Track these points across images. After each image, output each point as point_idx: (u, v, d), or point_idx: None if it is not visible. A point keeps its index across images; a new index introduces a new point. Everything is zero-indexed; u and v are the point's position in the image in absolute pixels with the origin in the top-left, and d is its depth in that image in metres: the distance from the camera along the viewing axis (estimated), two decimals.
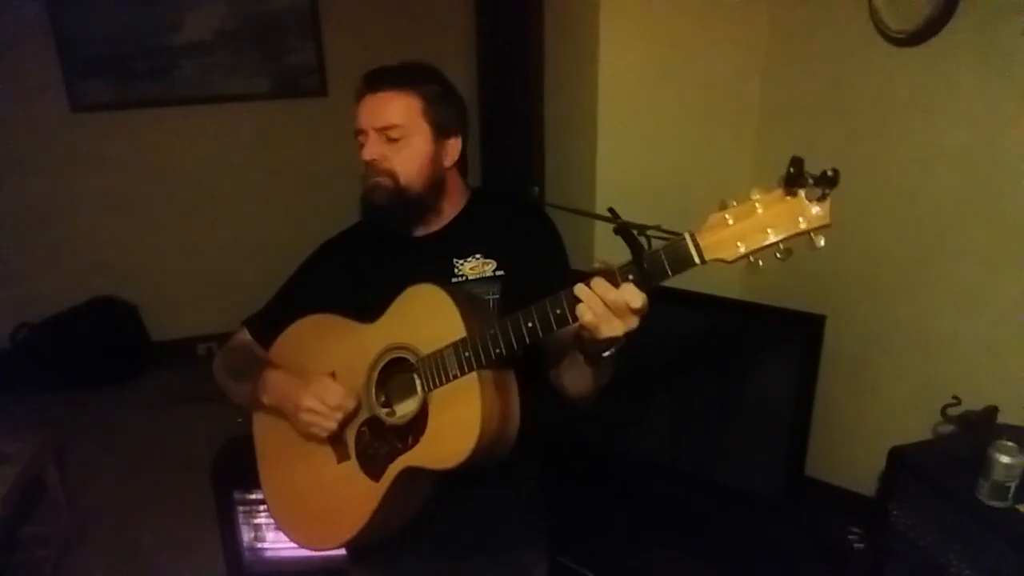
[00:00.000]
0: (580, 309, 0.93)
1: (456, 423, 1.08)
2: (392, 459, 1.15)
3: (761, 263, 0.84)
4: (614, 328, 0.93)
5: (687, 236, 0.87)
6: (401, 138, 1.17)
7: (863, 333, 1.98)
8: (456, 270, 1.22)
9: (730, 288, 2.41)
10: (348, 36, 3.78)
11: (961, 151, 1.66)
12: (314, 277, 1.35)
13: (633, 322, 0.93)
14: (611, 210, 0.96)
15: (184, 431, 3.18)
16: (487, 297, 1.21)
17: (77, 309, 3.78)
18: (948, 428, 1.64)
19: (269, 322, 1.35)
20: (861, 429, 2.03)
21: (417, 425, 1.13)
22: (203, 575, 2.40)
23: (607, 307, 0.92)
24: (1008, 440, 1.33)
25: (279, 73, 3.81)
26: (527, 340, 1.01)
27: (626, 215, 0.92)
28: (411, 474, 1.14)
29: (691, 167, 2.39)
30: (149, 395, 3.69)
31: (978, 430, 1.52)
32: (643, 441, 2.07)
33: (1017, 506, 1.31)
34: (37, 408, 3.44)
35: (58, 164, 3.68)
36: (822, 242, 0.82)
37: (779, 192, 0.82)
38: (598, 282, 0.93)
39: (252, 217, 3.96)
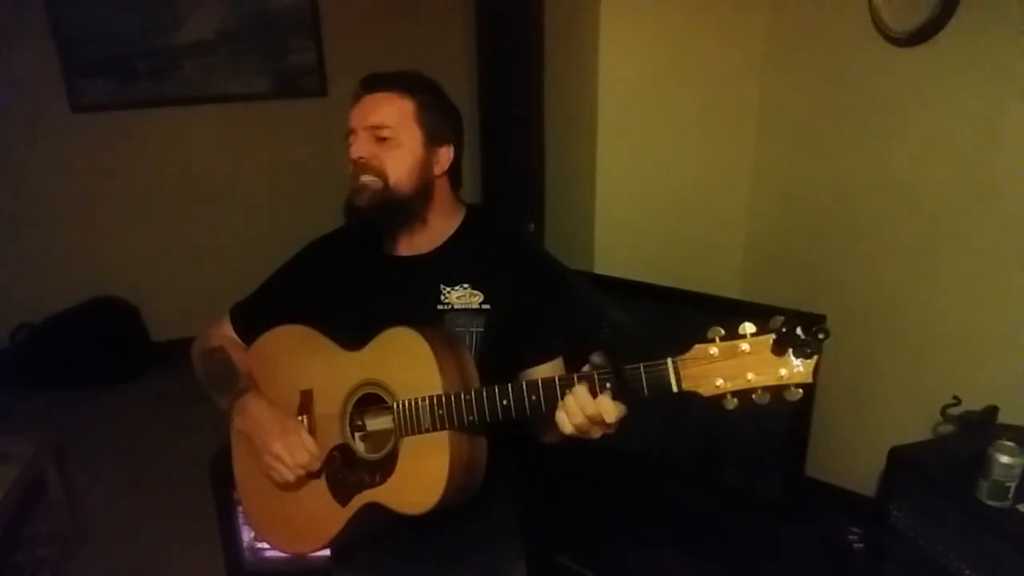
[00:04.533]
0: (559, 417, 0.97)
1: (424, 475, 1.09)
2: (359, 490, 1.16)
3: (737, 402, 0.85)
4: (591, 433, 0.97)
5: (669, 363, 0.89)
6: (391, 138, 1.16)
7: (863, 333, 1.98)
8: (443, 297, 1.21)
9: (730, 288, 2.42)
10: (348, 36, 3.78)
11: (961, 151, 1.66)
12: (299, 277, 1.33)
13: (609, 430, 0.96)
14: (603, 299, 0.99)
15: (184, 431, 3.18)
16: (471, 330, 1.20)
17: (77, 309, 3.78)
18: (948, 428, 1.64)
19: (252, 316, 1.34)
20: (861, 429, 2.03)
21: (387, 464, 1.13)
22: (203, 575, 2.41)
23: (585, 417, 0.95)
24: (1008, 440, 1.33)
25: (279, 73, 3.81)
26: (500, 416, 1.03)
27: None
28: (376, 507, 1.15)
29: (691, 167, 2.39)
30: (149, 395, 3.69)
31: (978, 430, 1.52)
32: (643, 440, 2.07)
33: (1017, 506, 1.31)
34: (37, 408, 3.44)
35: (58, 164, 3.69)
36: (800, 394, 0.83)
37: (768, 342, 0.84)
38: (579, 393, 0.95)
39: (252, 217, 3.96)
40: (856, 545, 1.71)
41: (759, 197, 2.42)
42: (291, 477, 1.17)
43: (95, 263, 3.87)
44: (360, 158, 1.17)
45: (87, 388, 3.70)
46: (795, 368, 0.83)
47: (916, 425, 1.73)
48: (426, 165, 1.19)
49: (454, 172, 1.25)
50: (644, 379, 0.90)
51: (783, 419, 1.80)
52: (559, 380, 0.98)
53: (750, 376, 0.84)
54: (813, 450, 1.86)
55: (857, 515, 1.78)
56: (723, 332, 0.87)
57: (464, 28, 3.87)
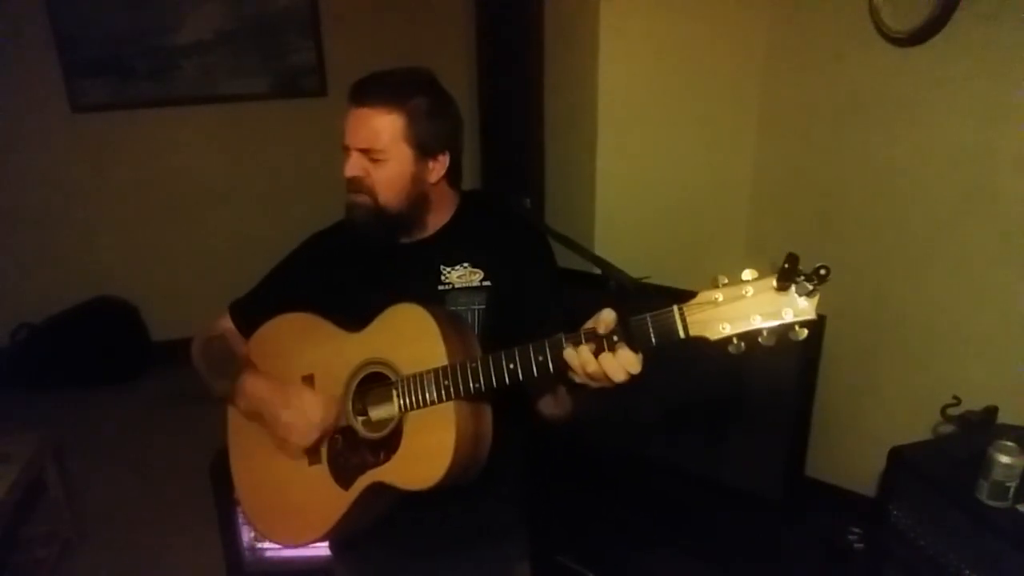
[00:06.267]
0: (569, 357, 0.96)
1: (429, 448, 1.08)
2: (363, 471, 1.15)
3: (743, 346, 0.86)
4: (603, 386, 0.96)
5: (676, 310, 0.89)
6: (381, 159, 1.16)
7: (863, 333, 1.98)
8: (443, 277, 1.21)
9: None
10: (348, 36, 3.78)
11: (961, 151, 1.66)
12: (300, 269, 1.34)
13: (619, 383, 0.95)
14: (603, 261, 0.97)
15: (184, 431, 3.17)
16: (472, 307, 1.20)
17: (77, 309, 3.78)
18: (948, 428, 1.64)
19: (251, 311, 1.34)
20: (861, 429, 2.03)
21: (391, 442, 1.13)
22: (203, 575, 2.41)
23: (589, 376, 0.95)
24: (1008, 440, 1.33)
25: (279, 73, 3.81)
26: (507, 380, 1.02)
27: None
28: (380, 487, 1.14)
29: (691, 167, 2.39)
30: (149, 395, 3.69)
31: (978, 430, 1.52)
32: (643, 441, 2.07)
33: (1017, 506, 1.31)
34: (37, 408, 3.44)
35: (58, 164, 3.68)
36: (804, 334, 0.83)
37: (771, 282, 0.84)
38: (583, 350, 0.94)
39: (252, 217, 3.96)
40: (856, 545, 1.72)
41: (759, 197, 2.42)
42: (314, 436, 1.16)
43: (95, 263, 3.87)
44: (354, 177, 1.18)
45: (87, 388, 3.70)
46: (800, 306, 0.83)
47: (916, 425, 1.73)
48: (418, 180, 1.19)
49: (452, 173, 1.24)
50: (651, 328, 0.90)
51: (783, 419, 1.81)
52: (565, 337, 0.97)
53: (755, 319, 0.85)
54: (813, 450, 1.86)
55: (857, 515, 1.78)
56: (727, 279, 0.87)
57: (464, 28, 3.87)
